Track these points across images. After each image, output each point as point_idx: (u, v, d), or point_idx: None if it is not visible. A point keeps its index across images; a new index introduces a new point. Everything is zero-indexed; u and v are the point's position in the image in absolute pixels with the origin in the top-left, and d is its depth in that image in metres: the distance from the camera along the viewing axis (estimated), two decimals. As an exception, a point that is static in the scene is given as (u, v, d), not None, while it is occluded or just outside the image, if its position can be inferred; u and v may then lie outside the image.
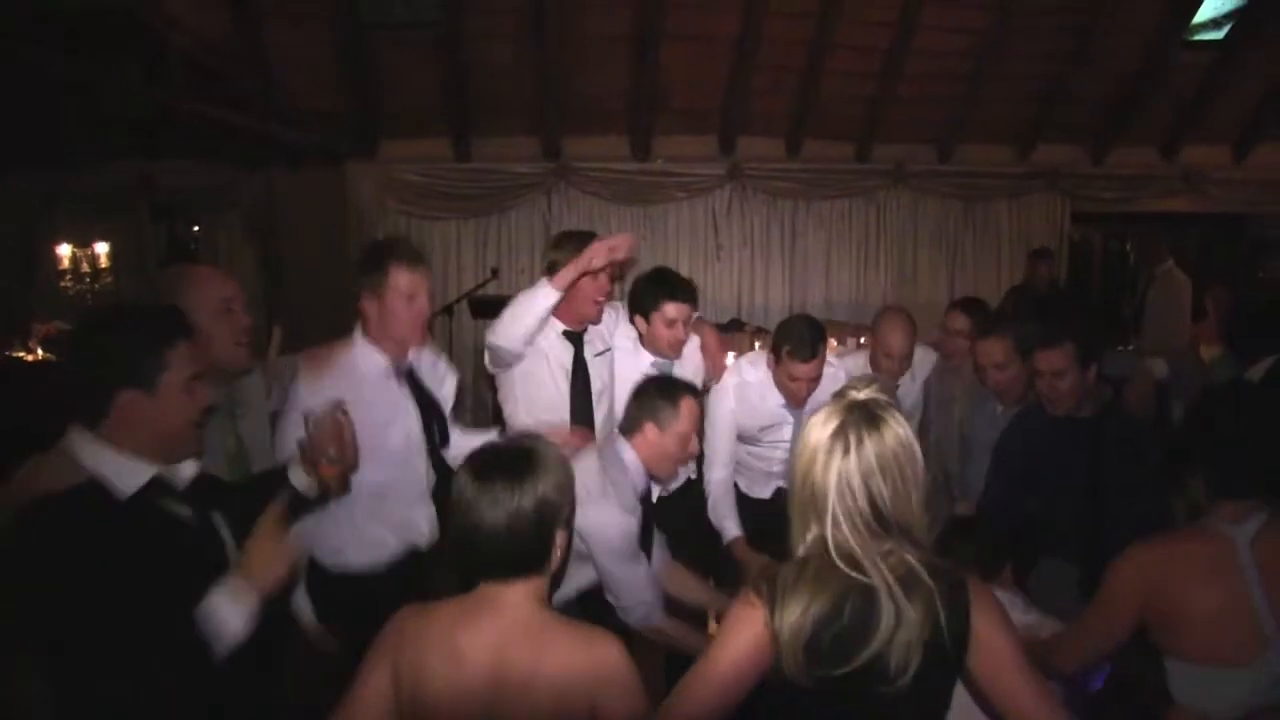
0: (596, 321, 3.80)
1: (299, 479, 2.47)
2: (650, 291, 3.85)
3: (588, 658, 1.84)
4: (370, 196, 8.50)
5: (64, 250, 8.18)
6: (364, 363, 3.11)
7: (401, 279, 3.08)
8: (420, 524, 3.20)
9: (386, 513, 3.09)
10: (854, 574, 1.74)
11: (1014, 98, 8.80)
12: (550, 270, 3.58)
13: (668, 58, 8.03)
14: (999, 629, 1.80)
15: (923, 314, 8.90)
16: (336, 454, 2.49)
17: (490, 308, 7.81)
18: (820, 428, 1.80)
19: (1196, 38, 8.52)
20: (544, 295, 3.44)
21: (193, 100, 6.44)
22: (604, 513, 2.88)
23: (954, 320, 4.30)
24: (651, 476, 3.09)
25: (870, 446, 1.76)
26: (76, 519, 1.85)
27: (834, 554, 1.76)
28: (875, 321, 4.22)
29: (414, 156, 8.60)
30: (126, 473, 1.97)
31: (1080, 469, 3.30)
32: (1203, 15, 8.38)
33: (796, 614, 1.74)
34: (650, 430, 2.98)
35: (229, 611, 1.94)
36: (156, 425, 2.01)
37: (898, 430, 1.79)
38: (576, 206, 8.83)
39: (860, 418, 1.78)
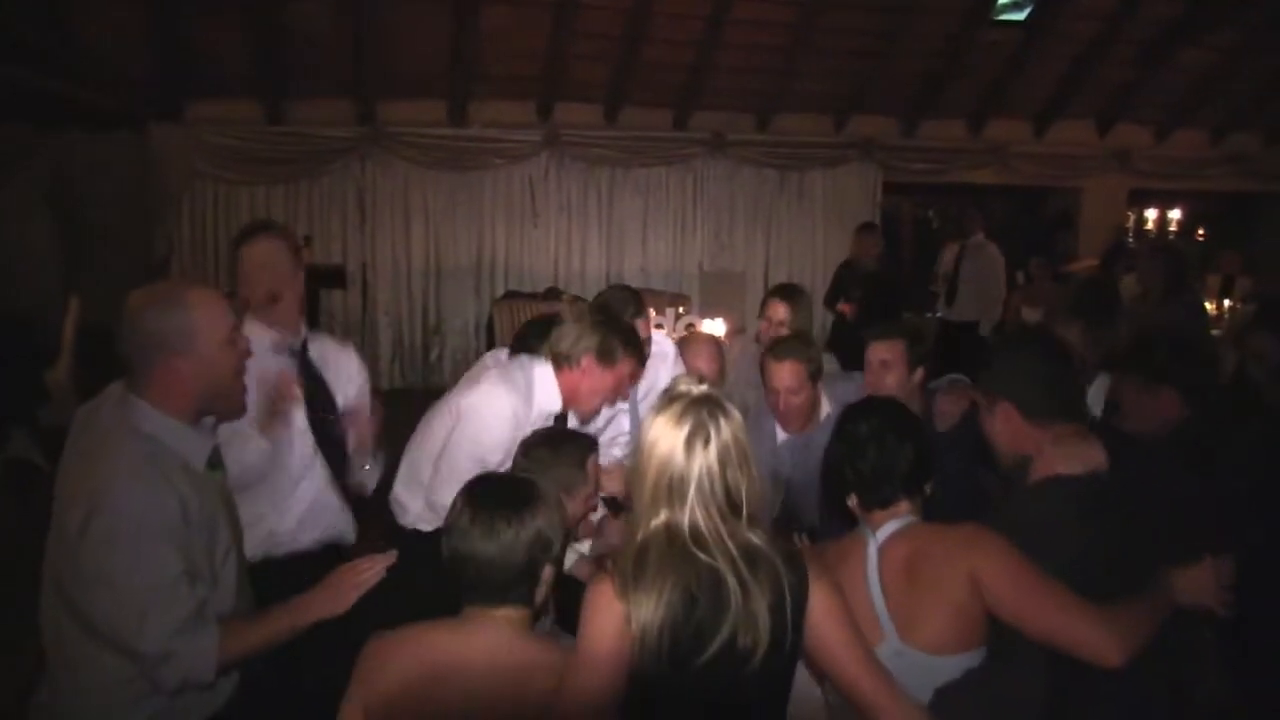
0: None
1: None
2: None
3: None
4: (177, 160, 8.31)
5: None
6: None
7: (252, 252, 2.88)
8: (286, 520, 2.88)
9: (249, 501, 2.67)
10: (701, 556, 1.81)
11: (830, 70, 9.02)
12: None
13: (486, 22, 7.98)
14: (834, 600, 1.91)
15: (739, 282, 9.34)
16: None
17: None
18: (673, 424, 1.86)
19: (1001, 18, 8.80)
20: None
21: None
22: None
23: (774, 310, 4.22)
24: None
25: (723, 436, 1.84)
26: None
27: (686, 536, 1.83)
28: (683, 348, 4.14)
29: (223, 119, 8.41)
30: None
31: None
32: (1006, -4, 8.67)
33: (650, 609, 1.79)
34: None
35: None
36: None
37: (737, 418, 1.89)
38: (392, 172, 8.78)
39: (709, 410, 1.86)
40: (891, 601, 2.19)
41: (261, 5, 7.50)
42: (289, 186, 8.67)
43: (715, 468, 1.84)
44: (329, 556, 2.85)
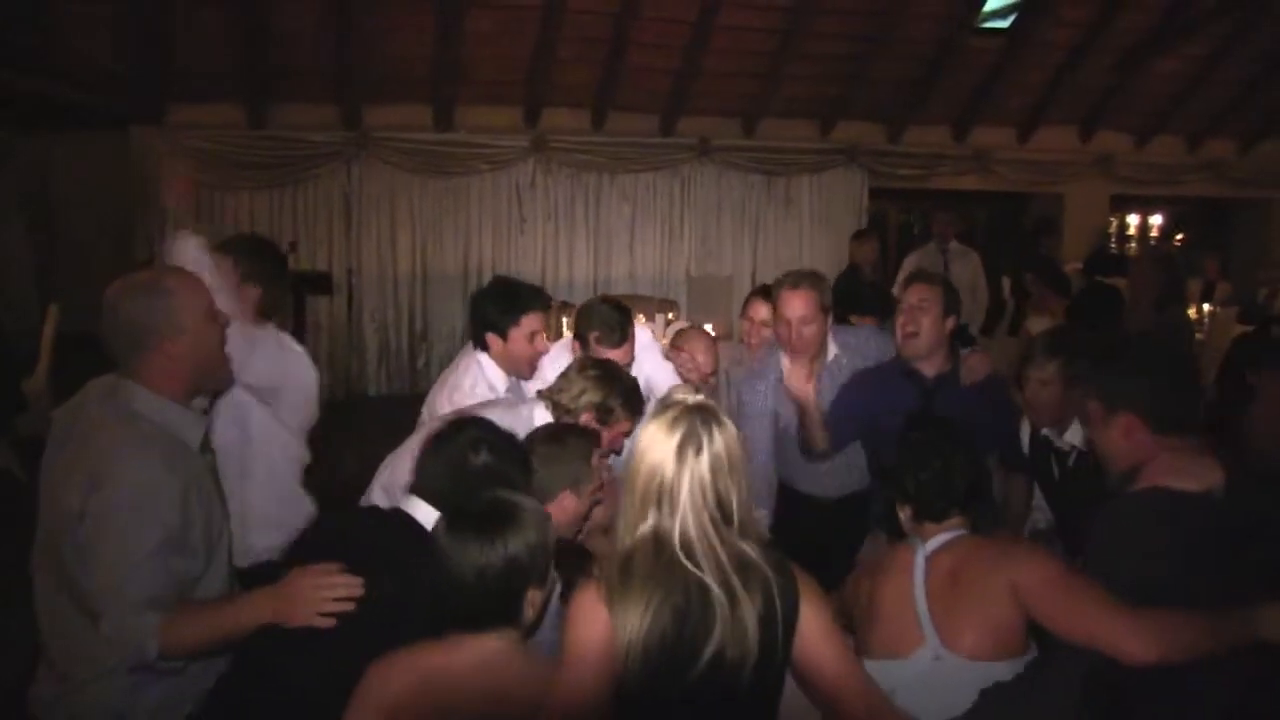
0: None
1: None
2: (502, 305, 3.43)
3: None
4: (157, 163, 8.15)
5: None
6: None
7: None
8: None
9: None
10: (689, 566, 1.80)
11: (816, 75, 9.05)
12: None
13: (472, 26, 7.93)
14: (820, 608, 1.91)
15: (726, 287, 9.33)
16: None
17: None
18: (666, 431, 1.86)
19: (986, 25, 8.87)
20: None
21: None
22: None
23: (757, 310, 4.20)
24: None
25: (715, 446, 1.85)
26: None
27: (675, 545, 1.82)
28: (677, 340, 4.16)
29: (206, 122, 8.28)
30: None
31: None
32: (992, 4, 8.73)
33: (635, 620, 1.78)
34: (568, 498, 2.62)
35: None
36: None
37: (731, 429, 1.90)
38: (377, 178, 8.69)
39: (702, 420, 1.86)
40: (934, 609, 2.26)
41: (245, 8, 7.39)
42: (273, 192, 8.54)
43: (707, 476, 1.84)
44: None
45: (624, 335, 3.53)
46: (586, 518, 2.82)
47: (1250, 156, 10.93)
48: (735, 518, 1.86)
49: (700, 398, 1.93)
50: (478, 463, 2.27)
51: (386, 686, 1.92)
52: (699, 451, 1.84)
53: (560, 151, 8.99)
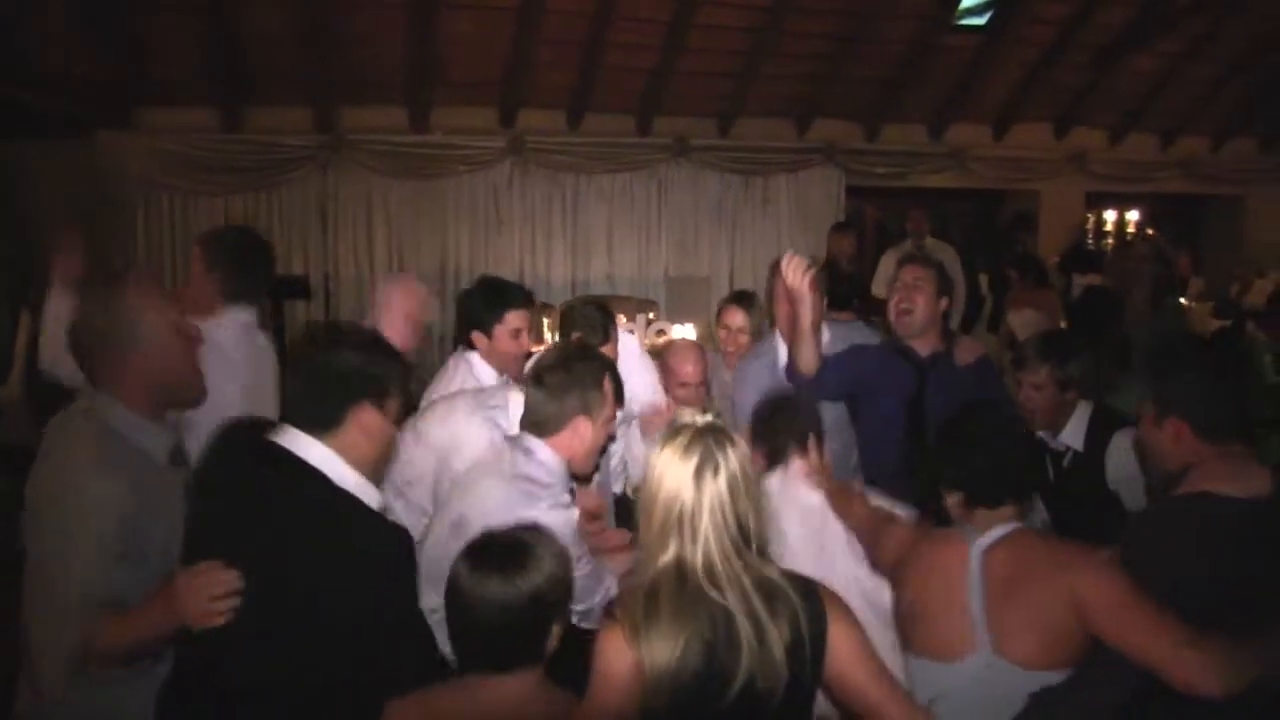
0: None
1: None
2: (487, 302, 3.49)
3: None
4: (128, 169, 8.06)
5: None
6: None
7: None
8: None
9: None
10: (713, 595, 1.79)
11: (793, 74, 9.02)
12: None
13: (447, 27, 7.85)
14: (852, 629, 1.89)
15: (704, 287, 9.32)
16: None
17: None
18: (680, 456, 1.85)
19: (962, 23, 8.89)
20: None
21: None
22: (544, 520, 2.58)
23: (732, 317, 4.29)
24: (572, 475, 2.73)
25: (731, 466, 1.84)
26: None
27: (699, 573, 1.81)
28: (666, 353, 4.20)
29: (177, 126, 8.16)
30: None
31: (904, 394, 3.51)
32: (968, 1, 8.75)
33: (665, 658, 1.77)
34: (582, 424, 2.60)
35: None
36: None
37: (743, 448, 1.90)
38: (353, 181, 8.60)
39: (715, 441, 1.86)
40: (990, 613, 2.17)
41: (216, 9, 7.28)
42: (248, 196, 8.43)
43: (726, 498, 1.83)
44: None
45: (606, 336, 3.60)
46: (604, 451, 2.81)
47: (1222, 153, 11.01)
48: (755, 540, 1.86)
49: (710, 418, 1.92)
50: (347, 366, 2.07)
51: None
52: (716, 473, 1.83)
53: (537, 152, 8.93)
